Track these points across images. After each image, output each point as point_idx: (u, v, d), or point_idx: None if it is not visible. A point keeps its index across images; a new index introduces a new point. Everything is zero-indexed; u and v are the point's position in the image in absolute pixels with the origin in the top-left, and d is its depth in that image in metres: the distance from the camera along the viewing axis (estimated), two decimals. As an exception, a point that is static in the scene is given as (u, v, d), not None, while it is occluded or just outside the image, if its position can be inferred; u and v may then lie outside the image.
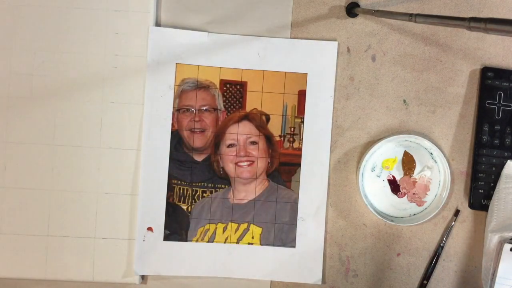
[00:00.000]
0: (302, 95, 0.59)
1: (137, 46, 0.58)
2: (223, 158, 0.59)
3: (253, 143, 0.59)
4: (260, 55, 0.59)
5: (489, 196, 0.59)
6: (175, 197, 0.59)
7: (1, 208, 0.58)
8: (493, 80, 0.60)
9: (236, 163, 0.59)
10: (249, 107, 0.59)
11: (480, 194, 0.60)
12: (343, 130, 0.60)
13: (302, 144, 0.59)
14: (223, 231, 0.59)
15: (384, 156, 0.60)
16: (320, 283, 0.60)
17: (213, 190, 0.59)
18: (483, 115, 0.60)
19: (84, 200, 0.58)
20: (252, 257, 0.59)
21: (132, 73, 0.58)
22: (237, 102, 0.59)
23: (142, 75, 0.58)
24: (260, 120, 0.59)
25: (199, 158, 0.59)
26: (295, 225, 0.59)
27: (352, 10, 0.59)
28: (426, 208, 0.60)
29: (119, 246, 0.58)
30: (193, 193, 0.59)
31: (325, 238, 0.60)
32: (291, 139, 0.60)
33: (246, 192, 0.59)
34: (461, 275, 0.61)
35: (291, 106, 0.59)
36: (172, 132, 0.59)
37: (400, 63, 0.60)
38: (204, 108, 0.59)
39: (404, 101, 0.60)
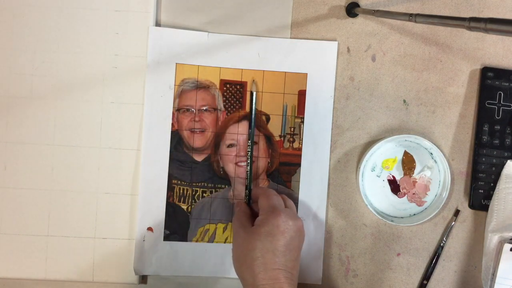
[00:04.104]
0: (302, 95, 0.59)
1: (137, 46, 0.58)
2: (223, 158, 0.59)
3: (253, 143, 0.59)
4: (260, 55, 0.59)
5: (489, 196, 0.59)
6: (175, 197, 0.59)
7: (1, 208, 0.58)
8: (493, 80, 0.60)
9: (236, 163, 0.59)
10: (249, 107, 0.59)
11: (480, 194, 0.60)
12: (343, 130, 0.60)
13: (302, 144, 0.59)
14: (223, 231, 0.59)
15: (384, 156, 0.60)
16: (320, 283, 0.60)
17: (213, 190, 0.59)
18: (483, 115, 0.60)
19: (84, 200, 0.58)
20: (252, 257, 0.59)
21: (132, 73, 0.58)
22: (237, 102, 0.59)
23: (142, 75, 0.58)
24: (260, 120, 0.59)
25: (199, 158, 0.59)
26: (295, 225, 0.59)
27: (352, 10, 0.59)
28: (426, 208, 0.60)
29: (119, 246, 0.58)
30: (193, 193, 0.59)
31: (325, 238, 0.60)
32: (291, 139, 0.60)
33: (246, 192, 0.59)
34: (461, 275, 0.61)
35: (291, 106, 0.59)
36: (172, 132, 0.59)
37: (400, 63, 0.60)
38: (204, 108, 0.59)
39: (404, 101, 0.60)
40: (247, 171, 0.58)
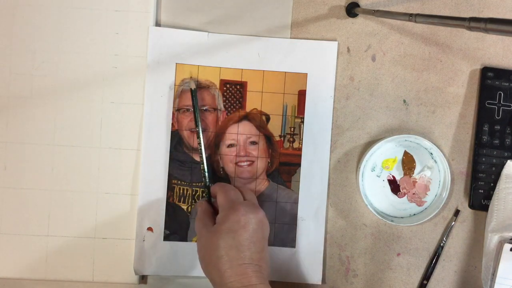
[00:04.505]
0: (302, 95, 0.59)
1: (137, 46, 0.58)
2: (223, 158, 0.59)
3: (253, 143, 0.59)
4: (260, 55, 0.59)
5: (489, 196, 0.59)
6: (175, 197, 0.59)
7: (1, 208, 0.58)
8: (493, 80, 0.60)
9: (236, 163, 0.59)
10: (249, 107, 0.59)
11: (480, 194, 0.60)
12: (343, 130, 0.60)
13: (302, 144, 0.59)
14: (223, 231, 0.59)
15: (384, 156, 0.60)
16: (320, 283, 0.60)
17: (213, 190, 0.59)
18: (483, 115, 0.60)
19: (84, 200, 0.58)
20: (252, 257, 0.59)
21: (132, 73, 0.58)
22: (237, 102, 0.59)
23: (142, 75, 0.58)
24: (260, 120, 0.59)
25: (199, 158, 0.59)
26: (295, 225, 0.59)
27: (352, 10, 0.59)
28: (426, 208, 0.60)
29: (119, 246, 0.58)
30: (193, 193, 0.59)
31: (325, 238, 0.60)
32: (291, 139, 0.60)
33: (246, 192, 0.59)
34: (461, 275, 0.61)
35: (291, 106, 0.59)
36: (172, 132, 0.59)
37: (400, 63, 0.60)
38: (204, 108, 0.59)
39: (404, 101, 0.60)
40: (203, 170, 0.57)
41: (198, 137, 0.57)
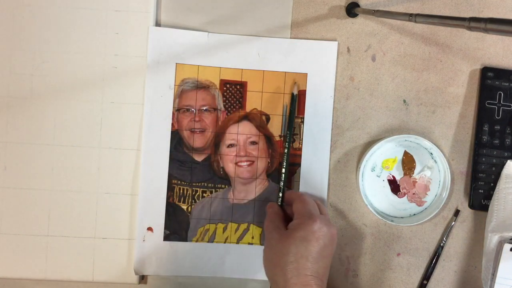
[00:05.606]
0: (302, 95, 0.59)
1: (137, 46, 0.58)
2: (223, 158, 0.59)
3: (253, 143, 0.59)
4: (260, 55, 0.59)
5: (489, 196, 0.59)
6: (175, 197, 0.59)
7: (1, 208, 0.58)
8: (493, 80, 0.60)
9: (236, 163, 0.59)
10: (249, 107, 0.59)
11: (480, 194, 0.60)
12: (343, 130, 0.60)
13: (302, 144, 0.59)
14: (223, 231, 0.59)
15: (384, 156, 0.60)
16: (320, 283, 0.60)
17: (213, 190, 0.59)
18: (483, 115, 0.60)
19: (84, 200, 0.58)
20: (252, 257, 0.59)
21: (132, 73, 0.58)
22: (237, 102, 0.59)
23: (142, 75, 0.58)
24: (260, 120, 0.59)
25: (199, 158, 0.59)
26: (295, 225, 0.59)
27: (352, 10, 0.59)
28: (426, 208, 0.60)
29: (119, 246, 0.58)
30: (193, 193, 0.59)
31: (325, 238, 0.60)
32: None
33: (246, 192, 0.59)
34: (461, 275, 0.61)
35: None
36: (172, 132, 0.59)
37: (400, 63, 0.60)
38: (204, 108, 0.59)
39: (404, 101, 0.60)
40: (283, 173, 0.58)
41: (288, 141, 0.58)
